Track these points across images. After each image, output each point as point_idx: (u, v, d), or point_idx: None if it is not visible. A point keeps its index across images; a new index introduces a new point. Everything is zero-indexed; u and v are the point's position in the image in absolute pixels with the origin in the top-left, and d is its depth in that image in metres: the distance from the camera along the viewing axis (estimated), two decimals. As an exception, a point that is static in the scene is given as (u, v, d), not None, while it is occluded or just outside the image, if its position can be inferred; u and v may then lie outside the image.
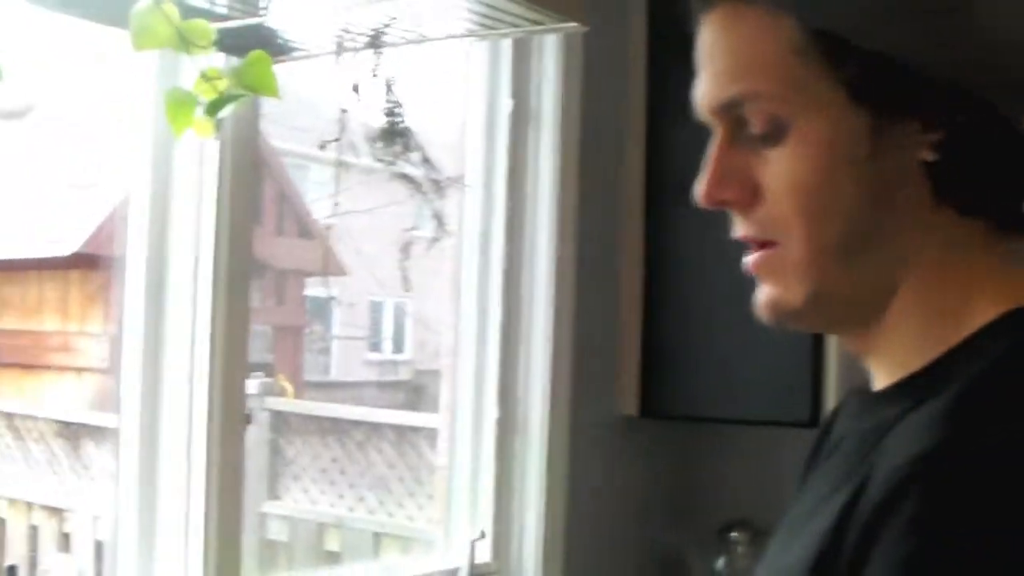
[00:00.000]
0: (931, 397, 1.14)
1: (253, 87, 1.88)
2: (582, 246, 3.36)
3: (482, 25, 2.43)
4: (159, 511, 2.49)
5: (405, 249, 2.60)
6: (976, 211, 1.21)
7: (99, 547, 4.90)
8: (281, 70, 1.92)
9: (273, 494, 7.18)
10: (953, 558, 1.01)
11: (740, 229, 1.26)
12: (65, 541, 5.65)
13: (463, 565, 3.14)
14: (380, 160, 2.48)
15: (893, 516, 1.04)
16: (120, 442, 2.51)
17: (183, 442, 2.48)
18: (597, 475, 3.50)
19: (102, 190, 6.25)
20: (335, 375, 12.95)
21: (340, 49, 2.31)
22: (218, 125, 1.92)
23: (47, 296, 6.67)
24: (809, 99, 1.19)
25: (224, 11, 2.16)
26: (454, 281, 3.32)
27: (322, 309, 11.86)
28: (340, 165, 2.41)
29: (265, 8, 2.18)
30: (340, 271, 7.56)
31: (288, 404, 7.82)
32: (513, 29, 2.49)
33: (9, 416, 6.40)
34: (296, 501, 7.18)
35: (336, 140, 2.38)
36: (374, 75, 2.36)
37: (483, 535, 3.21)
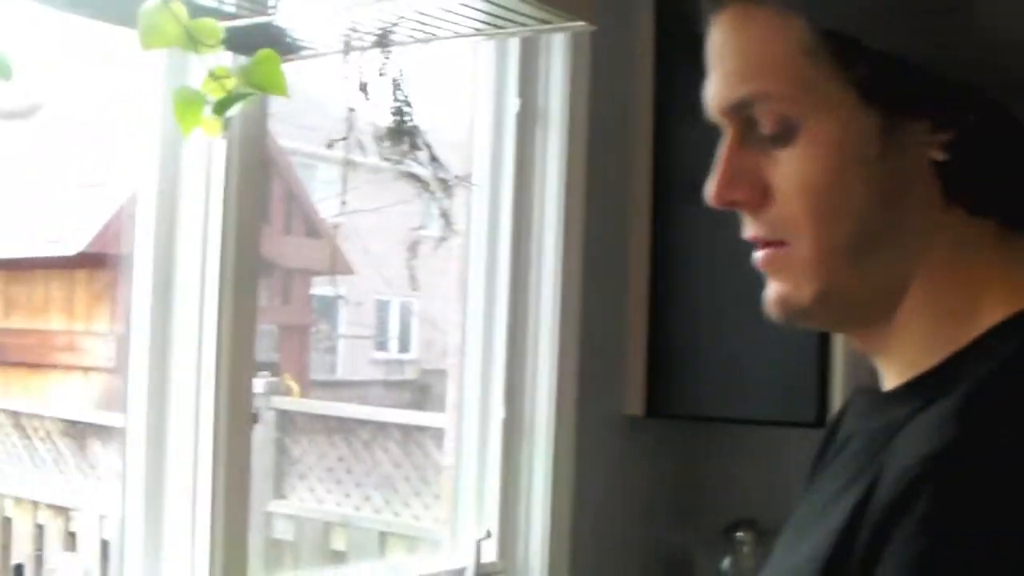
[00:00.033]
0: (941, 397, 1.13)
1: (261, 86, 1.88)
2: (589, 245, 3.36)
3: (490, 24, 2.42)
4: (166, 510, 2.50)
5: (412, 248, 2.60)
6: (986, 211, 1.20)
7: (105, 546, 4.91)
8: (289, 69, 1.92)
9: (279, 493, 7.18)
10: (964, 557, 1.01)
11: (750, 230, 1.26)
12: (71, 540, 5.66)
13: (469, 564, 3.14)
14: (387, 159, 2.48)
15: (904, 516, 1.04)
16: (127, 441, 2.51)
17: (190, 441, 2.48)
18: (603, 475, 3.50)
19: (108, 189, 6.25)
20: (341, 374, 12.95)
21: (348, 48, 2.31)
22: (226, 124, 1.92)
23: (53, 295, 6.68)
24: (819, 99, 1.18)
25: (232, 10, 2.16)
26: (461, 280, 3.32)
27: (328, 308, 11.87)
28: (347, 164, 2.41)
29: (273, 7, 2.18)
30: (347, 270, 7.56)
31: (294, 403, 7.82)
32: (521, 28, 2.49)
33: (15, 415, 6.41)
34: (302, 500, 7.18)
35: (344, 139, 2.38)
36: (382, 74, 2.36)
37: (489, 535, 3.21)
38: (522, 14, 2.40)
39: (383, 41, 2.33)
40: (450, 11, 2.32)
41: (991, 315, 1.18)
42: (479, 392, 3.28)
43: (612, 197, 3.50)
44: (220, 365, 2.47)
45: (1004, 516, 1.02)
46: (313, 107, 3.51)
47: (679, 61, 3.40)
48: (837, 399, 3.27)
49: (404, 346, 13.53)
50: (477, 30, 2.45)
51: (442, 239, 2.74)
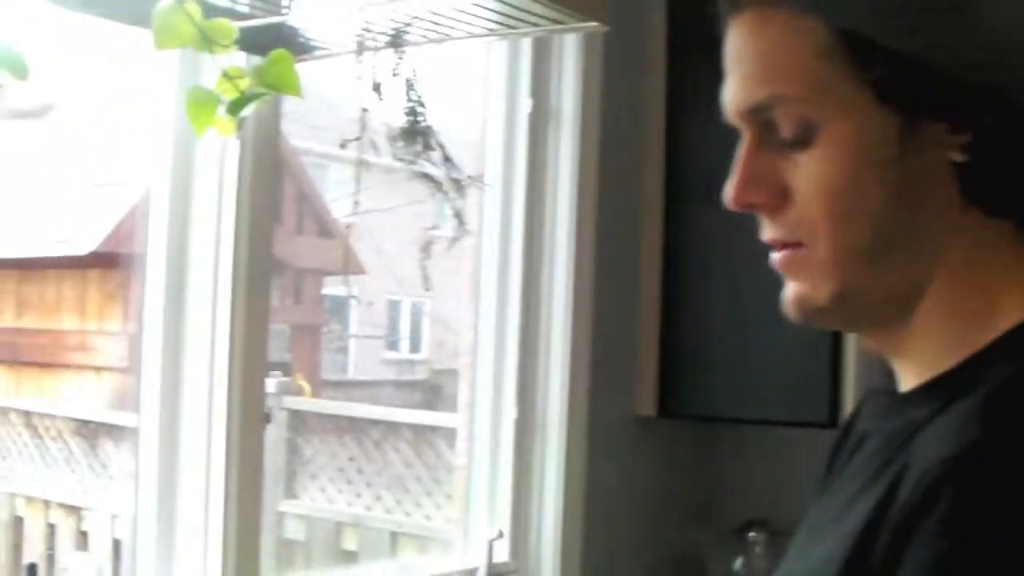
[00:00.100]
0: (958, 399, 1.13)
1: (275, 86, 1.88)
2: (601, 245, 3.36)
3: (503, 24, 2.42)
4: (178, 510, 2.50)
5: (425, 248, 2.60)
6: (1004, 212, 1.20)
7: (117, 545, 4.91)
8: (302, 69, 1.92)
9: (290, 493, 7.19)
10: (984, 559, 1.01)
11: (768, 232, 1.26)
12: (82, 539, 5.67)
13: (481, 564, 3.14)
14: (400, 159, 2.48)
15: (925, 518, 1.04)
16: (140, 441, 2.52)
17: (203, 441, 2.48)
18: (615, 475, 3.50)
19: (119, 189, 6.26)
20: (352, 374, 12.96)
21: (361, 48, 2.31)
22: (240, 124, 1.92)
23: (65, 295, 6.69)
24: (837, 101, 1.18)
25: (246, 10, 2.16)
26: (473, 280, 3.32)
27: (340, 308, 11.87)
28: (361, 164, 2.41)
29: (287, 7, 2.18)
30: (359, 270, 7.57)
31: (306, 403, 7.83)
32: (534, 29, 2.49)
33: (27, 415, 6.42)
34: (313, 500, 7.19)
35: (357, 139, 2.37)
36: (395, 74, 2.36)
37: (501, 534, 3.21)
38: (535, 14, 2.40)
39: (396, 41, 2.33)
40: (463, 11, 2.32)
41: (1009, 317, 1.18)
42: (491, 392, 3.29)
43: (624, 197, 3.50)
44: (233, 365, 2.48)
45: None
46: (326, 107, 3.52)
47: (691, 61, 3.41)
48: (849, 400, 3.27)
49: (415, 346, 13.53)
50: (490, 30, 2.45)
51: (455, 239, 2.74)
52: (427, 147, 2.48)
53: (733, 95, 1.25)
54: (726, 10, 1.25)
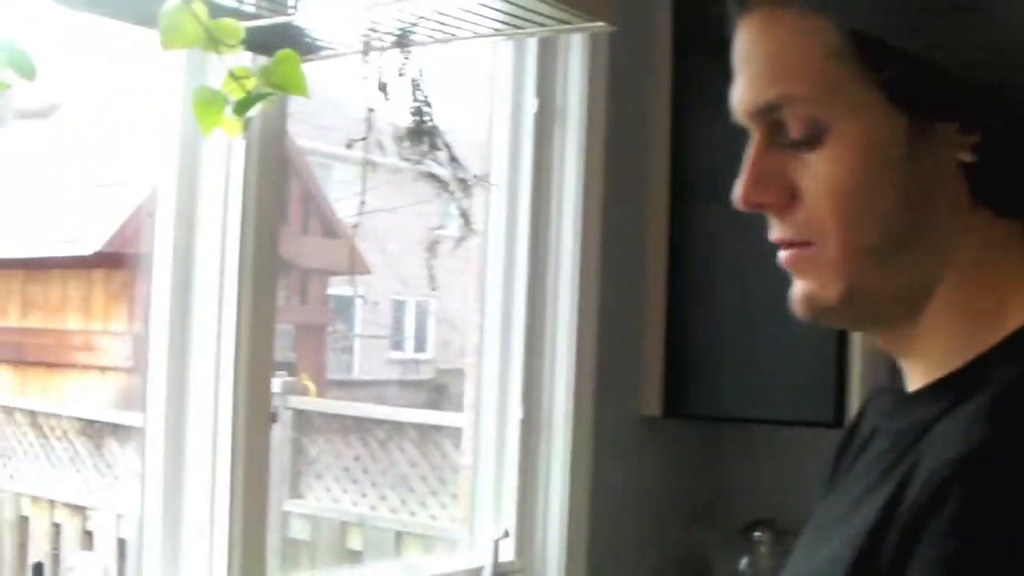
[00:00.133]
0: (966, 399, 1.13)
1: (281, 86, 1.88)
2: (607, 245, 3.36)
3: (509, 24, 2.42)
4: (184, 509, 2.50)
5: (431, 248, 2.60)
6: (1013, 212, 1.20)
7: (122, 545, 4.92)
8: (308, 69, 1.92)
9: (295, 493, 7.20)
10: (992, 559, 1.01)
11: (776, 232, 1.26)
12: (87, 539, 5.67)
13: (487, 564, 3.14)
14: (406, 159, 2.48)
15: (933, 518, 1.05)
16: (146, 440, 2.52)
17: (208, 440, 2.48)
18: (621, 474, 3.50)
19: (124, 189, 6.27)
20: (357, 374, 12.97)
21: (367, 48, 2.31)
22: (246, 124, 1.92)
23: (71, 295, 6.69)
24: (846, 102, 1.18)
25: (252, 10, 2.16)
26: (479, 280, 3.32)
27: (345, 308, 11.89)
28: (367, 164, 2.41)
29: (293, 7, 2.18)
30: (364, 270, 7.57)
31: (311, 403, 7.84)
32: (540, 29, 2.49)
33: (33, 414, 6.42)
34: (318, 500, 7.20)
35: (363, 139, 2.37)
36: (401, 74, 2.36)
37: (507, 534, 3.21)
38: (541, 14, 2.40)
39: (402, 41, 2.33)
40: (469, 11, 2.31)
41: (1017, 317, 1.18)
42: (497, 392, 3.29)
43: (630, 197, 3.50)
44: (239, 364, 2.48)
45: None
46: (331, 107, 3.51)
47: (697, 61, 3.41)
48: (855, 399, 3.27)
49: (420, 346, 13.55)
50: (496, 30, 2.45)
51: (461, 239, 2.74)
52: (433, 147, 2.48)
53: (742, 95, 1.25)
54: (735, 10, 1.25)
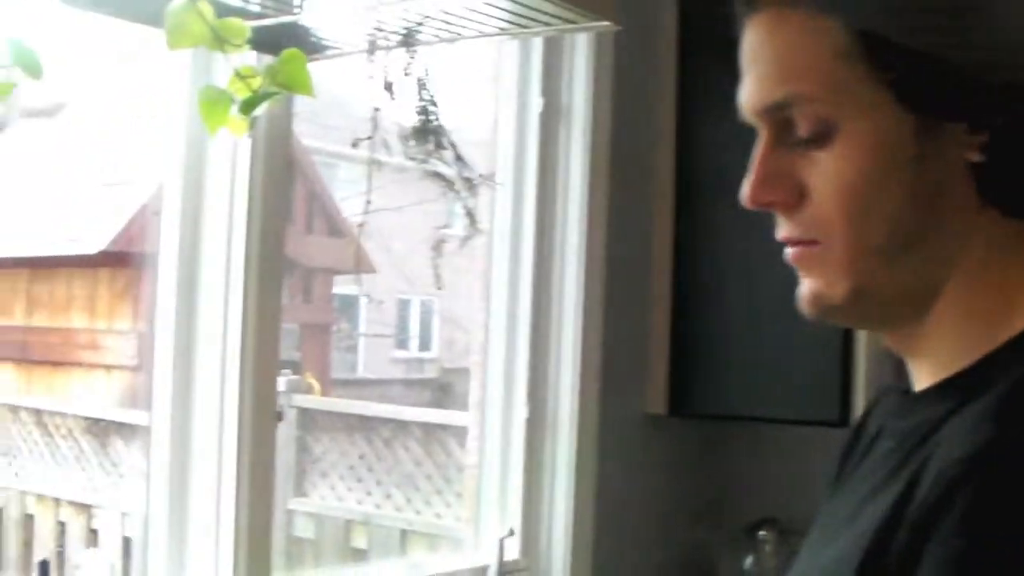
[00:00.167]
0: (973, 399, 1.14)
1: (287, 85, 1.88)
2: (612, 244, 3.36)
3: (515, 24, 2.42)
4: (190, 508, 2.50)
5: (437, 247, 2.60)
6: (1021, 212, 1.20)
7: (127, 543, 4.92)
8: (314, 68, 1.93)
9: (300, 491, 7.20)
10: (1001, 558, 1.02)
11: (783, 230, 1.26)
12: (92, 537, 5.68)
13: (492, 562, 3.14)
14: (412, 158, 2.48)
15: (942, 517, 1.05)
16: (151, 439, 2.52)
17: (214, 439, 2.49)
18: (626, 473, 3.50)
19: (130, 188, 6.27)
20: (362, 373, 12.97)
21: (373, 47, 2.31)
22: (252, 123, 1.92)
23: (76, 293, 6.70)
24: (855, 101, 1.18)
25: (258, 9, 2.16)
26: (484, 279, 3.32)
27: (349, 307, 11.89)
28: (372, 163, 2.41)
29: (299, 7, 2.18)
30: (370, 269, 7.58)
31: (315, 401, 7.85)
32: (546, 28, 2.49)
33: (38, 413, 6.43)
34: (323, 498, 7.20)
35: (369, 138, 2.38)
36: (407, 73, 2.37)
37: (512, 532, 3.21)
38: (547, 14, 2.40)
39: (408, 41, 2.33)
40: (475, 11, 2.32)
41: (1023, 317, 1.18)
42: (502, 391, 3.29)
43: (635, 196, 3.50)
44: (245, 363, 2.48)
45: None
46: (337, 106, 3.51)
47: (702, 60, 3.42)
48: (860, 398, 3.27)
49: (425, 345, 13.55)
50: (502, 30, 2.45)
51: (466, 238, 2.74)
52: (439, 146, 2.48)
53: (750, 94, 1.25)
54: (743, 10, 1.25)
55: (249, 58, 2.14)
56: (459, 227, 2.72)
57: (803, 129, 1.21)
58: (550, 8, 2.38)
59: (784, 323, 1.30)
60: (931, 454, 1.13)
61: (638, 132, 3.50)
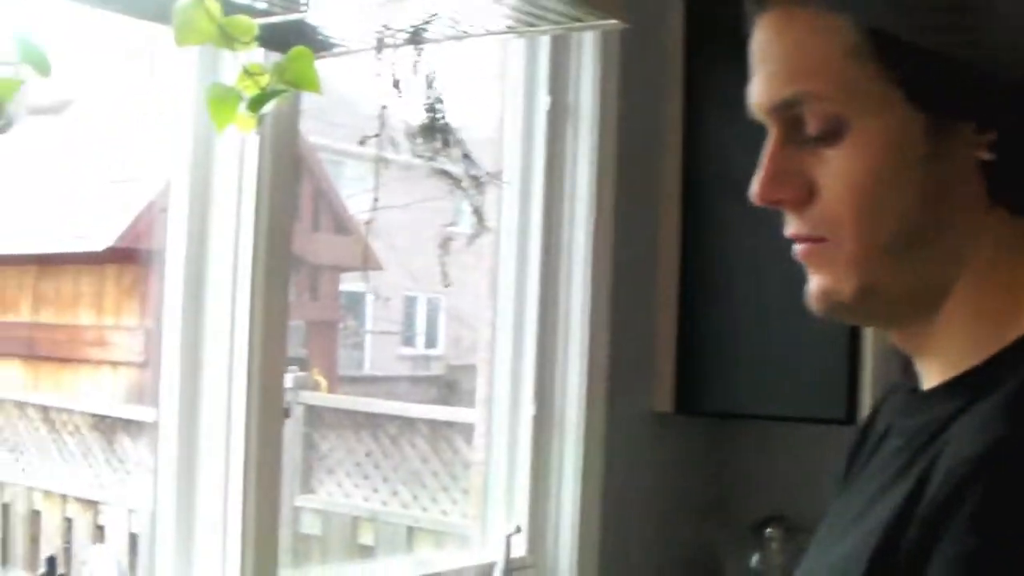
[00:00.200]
0: (982, 398, 1.14)
1: (295, 83, 1.88)
2: (619, 242, 3.36)
3: (523, 22, 2.42)
4: (197, 504, 2.50)
5: (444, 245, 2.60)
6: None
7: (134, 540, 4.93)
8: (321, 66, 1.93)
9: (307, 488, 7.21)
10: (1011, 556, 1.02)
11: (792, 227, 1.26)
12: (99, 533, 5.68)
13: (499, 559, 3.14)
14: (419, 156, 2.49)
15: (952, 515, 1.05)
16: (159, 436, 2.52)
17: (222, 436, 2.49)
18: (632, 471, 3.50)
19: (137, 185, 6.28)
20: (368, 370, 12.98)
21: (380, 45, 2.31)
22: (260, 120, 1.92)
23: (83, 290, 6.71)
24: (865, 100, 1.18)
25: (265, 7, 2.16)
26: (491, 276, 3.32)
27: (356, 304, 11.90)
28: (379, 161, 2.41)
29: (306, 4, 2.18)
30: (376, 266, 7.58)
31: (322, 398, 7.86)
32: (553, 26, 2.49)
33: (45, 409, 6.44)
34: (330, 495, 7.21)
35: (376, 136, 2.38)
36: (414, 71, 2.37)
37: (519, 529, 3.21)
38: (554, 12, 2.40)
39: (416, 38, 2.33)
40: (482, 9, 2.32)
41: None
42: (509, 388, 3.29)
43: (642, 193, 3.50)
44: (252, 360, 2.48)
45: None
46: (344, 104, 3.52)
47: (709, 58, 3.42)
48: (867, 397, 3.27)
49: (431, 342, 13.56)
50: (509, 28, 2.45)
51: (473, 235, 2.74)
52: (446, 144, 2.49)
53: (760, 92, 1.25)
54: (752, 8, 1.25)
55: (257, 55, 2.13)
56: (466, 225, 2.72)
57: (813, 127, 1.21)
58: (557, 6, 2.38)
59: (791, 321, 1.31)
60: (940, 452, 1.13)
61: (645, 130, 3.50)
